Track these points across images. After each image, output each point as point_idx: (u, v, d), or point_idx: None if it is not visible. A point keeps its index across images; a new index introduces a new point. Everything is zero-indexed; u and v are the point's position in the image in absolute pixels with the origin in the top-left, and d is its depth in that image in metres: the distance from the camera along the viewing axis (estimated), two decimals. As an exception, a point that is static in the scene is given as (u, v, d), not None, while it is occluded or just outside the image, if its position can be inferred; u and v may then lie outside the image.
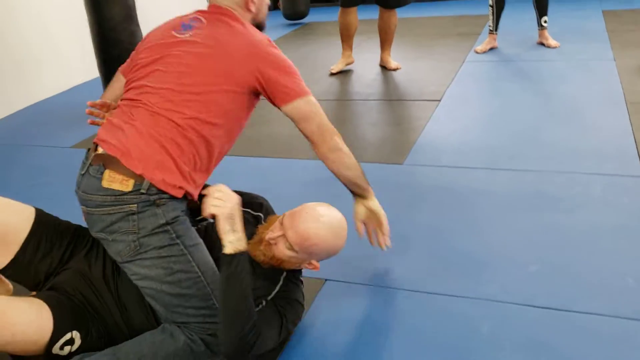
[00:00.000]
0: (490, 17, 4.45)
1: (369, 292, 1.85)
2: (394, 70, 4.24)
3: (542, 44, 4.50)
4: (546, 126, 3.02)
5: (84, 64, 4.50)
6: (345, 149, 1.75)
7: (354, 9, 4.13)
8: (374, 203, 1.84)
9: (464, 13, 5.93)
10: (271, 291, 1.61)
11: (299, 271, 1.72)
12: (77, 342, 1.50)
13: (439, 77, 3.95)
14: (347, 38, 4.30)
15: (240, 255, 1.46)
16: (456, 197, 2.38)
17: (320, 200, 1.72)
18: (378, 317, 1.74)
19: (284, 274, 1.66)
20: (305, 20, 6.34)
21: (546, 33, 4.47)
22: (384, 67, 4.31)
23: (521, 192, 2.37)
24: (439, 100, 3.51)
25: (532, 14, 4.51)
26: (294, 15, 6.22)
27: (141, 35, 3.74)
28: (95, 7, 3.53)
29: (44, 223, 1.61)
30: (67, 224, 1.67)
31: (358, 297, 1.83)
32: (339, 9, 4.16)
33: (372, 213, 1.84)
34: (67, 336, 1.48)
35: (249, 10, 1.81)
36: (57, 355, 1.49)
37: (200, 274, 1.50)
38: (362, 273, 1.94)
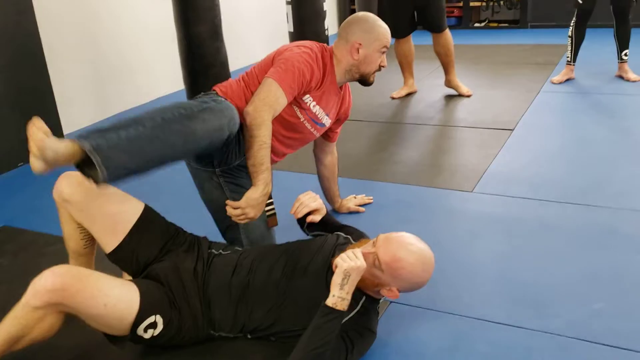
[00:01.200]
0: (569, 48, 4.41)
1: (432, 317, 1.90)
2: (467, 96, 4.27)
3: (621, 77, 4.41)
4: (622, 162, 2.98)
5: (171, 76, 4.79)
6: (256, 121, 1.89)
7: (408, 38, 4.22)
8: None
9: (542, 42, 5.88)
10: (346, 315, 1.63)
11: (377, 300, 1.75)
12: (160, 326, 1.64)
13: (513, 106, 3.95)
14: (406, 66, 4.39)
15: (338, 313, 1.54)
16: (524, 229, 2.40)
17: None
18: (439, 343, 1.78)
19: (364, 299, 1.69)
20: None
21: (626, 66, 4.39)
22: (454, 92, 4.34)
23: (592, 228, 2.37)
24: (512, 130, 3.52)
25: (612, 45, 4.43)
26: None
27: (225, 51, 3.96)
28: (184, 25, 3.78)
29: (150, 218, 1.82)
30: (169, 223, 1.87)
31: (420, 322, 1.88)
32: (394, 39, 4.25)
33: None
34: (151, 319, 1.62)
35: (352, 57, 2.18)
36: (141, 338, 1.64)
37: None
38: (426, 297, 1.98)
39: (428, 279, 1.69)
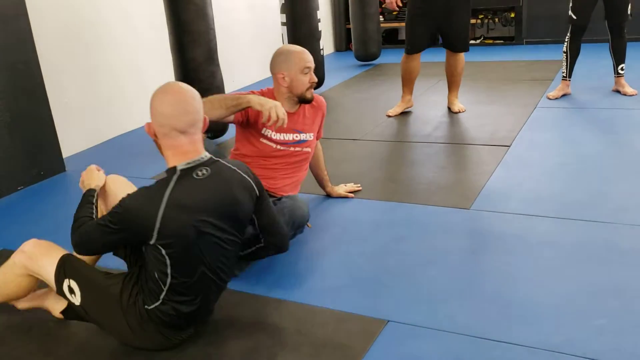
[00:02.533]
0: (564, 64, 4.42)
1: (431, 336, 1.87)
2: (457, 113, 4.29)
3: (618, 91, 4.42)
4: (620, 177, 2.96)
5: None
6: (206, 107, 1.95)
7: (417, 55, 4.24)
8: (254, 104, 2.28)
9: (537, 58, 5.90)
10: None
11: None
12: (77, 294, 1.85)
13: (509, 122, 3.95)
14: (408, 82, 4.40)
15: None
16: (523, 245, 2.38)
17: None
18: (439, 361, 1.76)
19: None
20: (377, 61, 6.49)
21: (623, 80, 4.39)
22: (453, 111, 4.35)
23: (591, 244, 2.34)
24: (509, 146, 3.51)
25: (608, 59, 4.45)
26: (366, 56, 6.39)
27: (221, 75, 3.97)
28: (180, 50, 3.79)
29: None
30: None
31: (419, 341, 1.85)
32: (403, 54, 4.28)
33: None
34: (67, 282, 1.85)
35: (283, 86, 2.52)
36: (74, 307, 1.89)
37: None
38: (425, 316, 1.96)
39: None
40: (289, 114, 2.47)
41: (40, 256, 1.91)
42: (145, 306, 1.79)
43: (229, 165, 1.87)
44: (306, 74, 2.49)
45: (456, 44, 4.15)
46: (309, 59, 2.51)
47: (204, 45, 3.79)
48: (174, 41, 3.81)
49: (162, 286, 1.77)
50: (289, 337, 1.91)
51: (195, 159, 1.76)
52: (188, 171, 1.74)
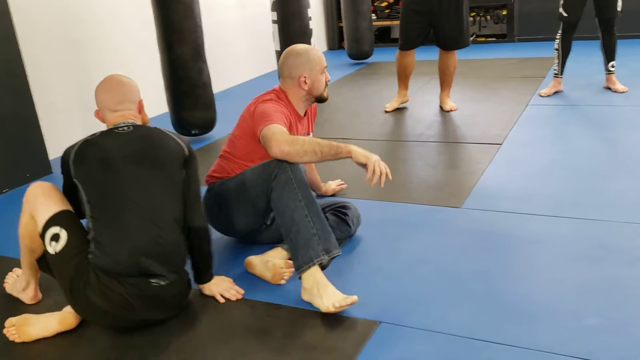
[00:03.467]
0: (556, 61, 4.42)
1: (422, 336, 1.85)
2: (448, 111, 4.28)
3: (609, 88, 4.42)
4: (611, 174, 2.96)
5: (156, 99, 4.76)
6: (294, 149, 2.09)
7: (412, 52, 4.24)
8: (358, 155, 2.12)
9: (529, 55, 5.90)
10: None
11: None
12: (62, 241, 1.88)
13: (501, 120, 3.94)
14: (403, 78, 4.42)
15: None
16: (515, 244, 2.37)
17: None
18: (430, 363, 1.74)
19: None
20: (369, 60, 6.47)
21: (614, 77, 4.39)
22: (444, 110, 4.35)
23: (583, 241, 2.33)
24: (501, 144, 3.50)
25: (599, 57, 4.45)
26: (358, 55, 6.37)
27: (208, 72, 3.95)
28: (168, 47, 3.78)
29: None
30: None
31: (410, 341, 1.84)
32: (397, 50, 4.28)
33: (364, 165, 2.11)
34: (56, 229, 1.89)
35: (302, 89, 2.41)
36: (49, 256, 1.91)
37: None
38: (416, 316, 1.95)
39: None
40: (301, 118, 2.47)
41: (41, 196, 1.97)
42: (88, 256, 1.88)
43: (157, 127, 2.08)
44: (324, 72, 2.45)
45: (448, 42, 4.13)
46: (323, 57, 2.47)
47: (191, 42, 3.78)
48: (161, 39, 3.80)
49: (90, 228, 1.91)
50: (279, 341, 1.89)
51: (122, 122, 2.04)
52: (112, 129, 2.03)
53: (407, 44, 4.20)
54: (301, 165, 2.15)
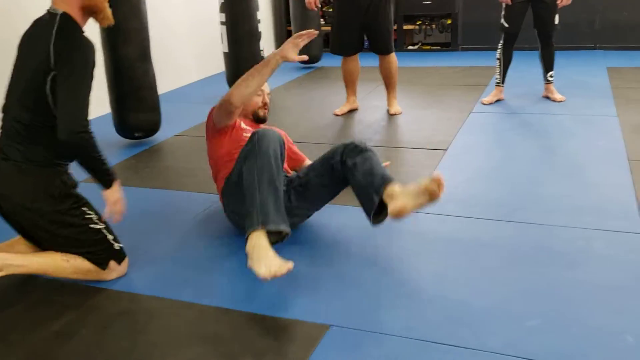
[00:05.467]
0: (497, 70, 4.57)
1: (372, 339, 1.87)
2: (393, 114, 4.38)
3: (547, 97, 4.60)
4: (550, 180, 3.08)
5: (97, 100, 4.62)
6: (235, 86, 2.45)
7: (354, 57, 4.35)
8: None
9: (472, 64, 6.07)
10: None
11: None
12: None
13: (446, 127, 4.04)
14: (350, 84, 4.49)
15: None
16: (460, 247, 2.42)
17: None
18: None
19: None
20: (318, 64, 6.50)
21: (552, 87, 4.58)
22: (390, 113, 4.43)
23: (525, 245, 2.41)
24: (446, 150, 3.59)
25: (538, 67, 4.63)
26: (308, 59, 6.39)
27: (153, 73, 3.87)
28: (112, 47, 3.68)
29: None
30: None
31: (361, 344, 1.85)
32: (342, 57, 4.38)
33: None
34: None
35: None
36: None
37: None
38: (366, 319, 1.96)
39: None
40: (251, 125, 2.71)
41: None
42: None
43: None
44: (259, 95, 2.69)
45: (379, 47, 4.28)
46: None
47: (137, 43, 3.70)
48: (105, 38, 3.69)
49: None
50: (228, 347, 1.86)
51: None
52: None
53: (344, 50, 4.33)
54: (274, 139, 2.24)
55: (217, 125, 2.57)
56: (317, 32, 2.52)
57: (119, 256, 2.25)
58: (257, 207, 2.10)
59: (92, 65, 2.10)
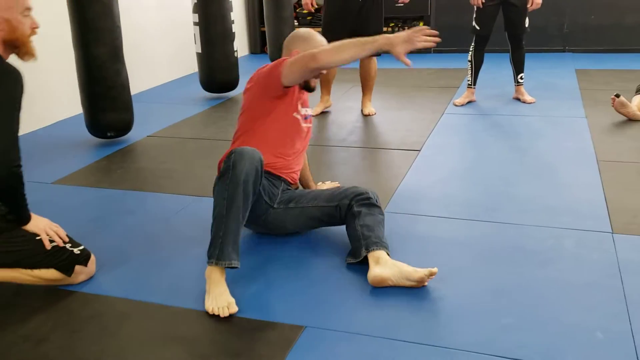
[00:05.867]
0: (469, 72, 4.62)
1: (346, 339, 1.87)
2: (367, 115, 4.40)
3: (518, 99, 4.67)
4: (522, 180, 3.12)
5: (69, 100, 4.54)
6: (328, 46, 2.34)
7: None
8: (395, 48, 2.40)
9: (444, 66, 6.14)
10: None
11: None
12: None
13: (419, 128, 4.07)
14: (325, 83, 4.50)
15: None
16: (434, 246, 2.44)
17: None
18: (356, 365, 1.76)
19: None
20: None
21: (522, 89, 4.65)
22: (364, 114, 4.45)
23: (498, 244, 2.44)
24: (419, 150, 3.61)
25: (509, 69, 4.70)
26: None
27: (126, 73, 3.82)
28: (84, 47, 3.63)
29: None
30: None
31: (334, 345, 1.85)
32: None
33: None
34: None
35: None
36: None
37: None
38: (341, 319, 1.96)
39: None
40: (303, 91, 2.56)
41: None
42: None
43: None
44: None
45: None
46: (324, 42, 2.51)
47: (109, 43, 3.64)
48: (77, 38, 3.63)
49: None
50: (203, 348, 1.84)
51: None
52: None
53: None
54: (251, 160, 2.12)
55: (283, 81, 2.32)
56: (438, 37, 2.38)
57: (83, 258, 2.19)
58: (219, 239, 2.06)
59: (20, 94, 2.01)
